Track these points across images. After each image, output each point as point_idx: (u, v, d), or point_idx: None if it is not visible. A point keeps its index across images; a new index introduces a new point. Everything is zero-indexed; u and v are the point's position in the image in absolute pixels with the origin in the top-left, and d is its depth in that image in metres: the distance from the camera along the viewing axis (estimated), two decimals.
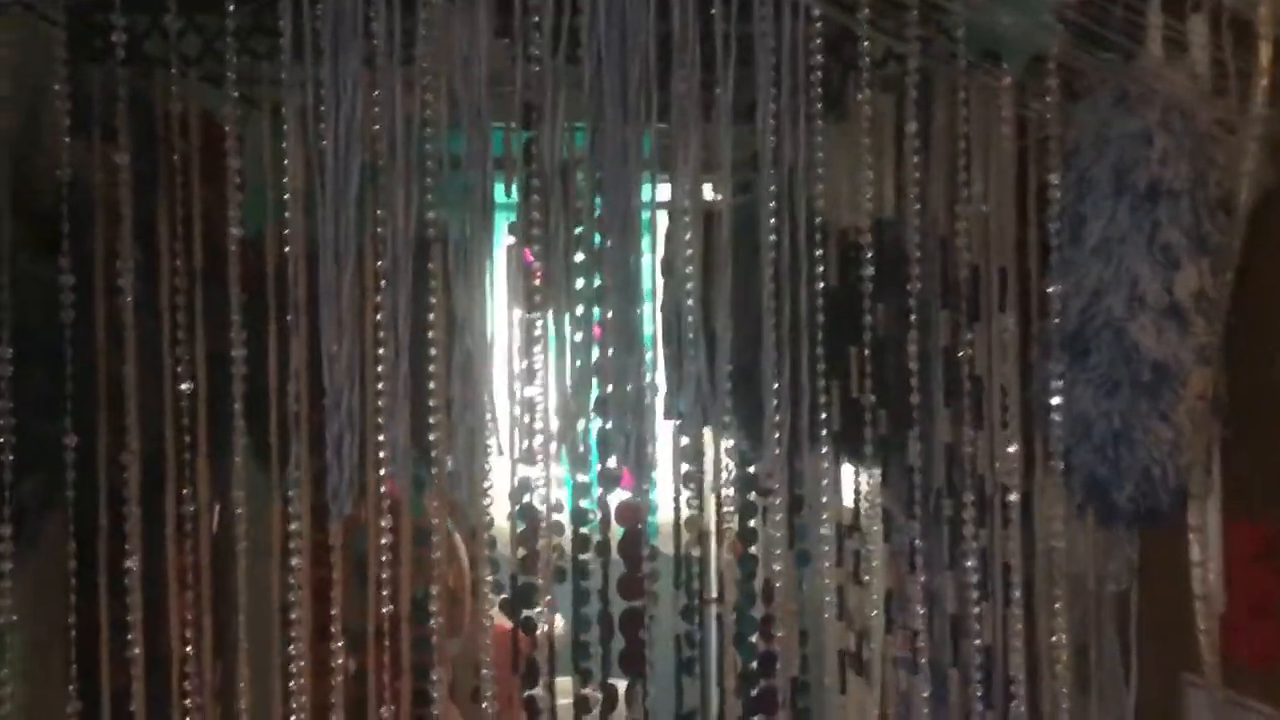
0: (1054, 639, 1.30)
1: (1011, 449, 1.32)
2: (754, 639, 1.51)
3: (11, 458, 1.28)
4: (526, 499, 1.36)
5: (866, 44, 1.24)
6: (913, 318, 1.30)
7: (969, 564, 1.36)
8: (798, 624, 1.50)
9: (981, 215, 1.37)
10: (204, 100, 1.43)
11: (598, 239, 1.25)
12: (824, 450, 1.31)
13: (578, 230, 1.26)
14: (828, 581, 1.33)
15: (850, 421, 1.44)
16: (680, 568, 1.58)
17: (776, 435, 1.22)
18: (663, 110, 1.19)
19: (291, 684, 1.34)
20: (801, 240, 1.25)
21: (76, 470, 1.33)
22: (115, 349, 1.35)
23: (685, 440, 1.38)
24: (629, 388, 1.17)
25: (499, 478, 1.33)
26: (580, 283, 1.28)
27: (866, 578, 1.59)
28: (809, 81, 1.24)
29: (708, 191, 1.30)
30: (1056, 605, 1.29)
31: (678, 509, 1.54)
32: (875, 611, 1.51)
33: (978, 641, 1.34)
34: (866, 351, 1.40)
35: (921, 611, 1.34)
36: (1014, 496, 1.31)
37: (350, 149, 1.11)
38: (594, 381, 1.27)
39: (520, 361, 1.30)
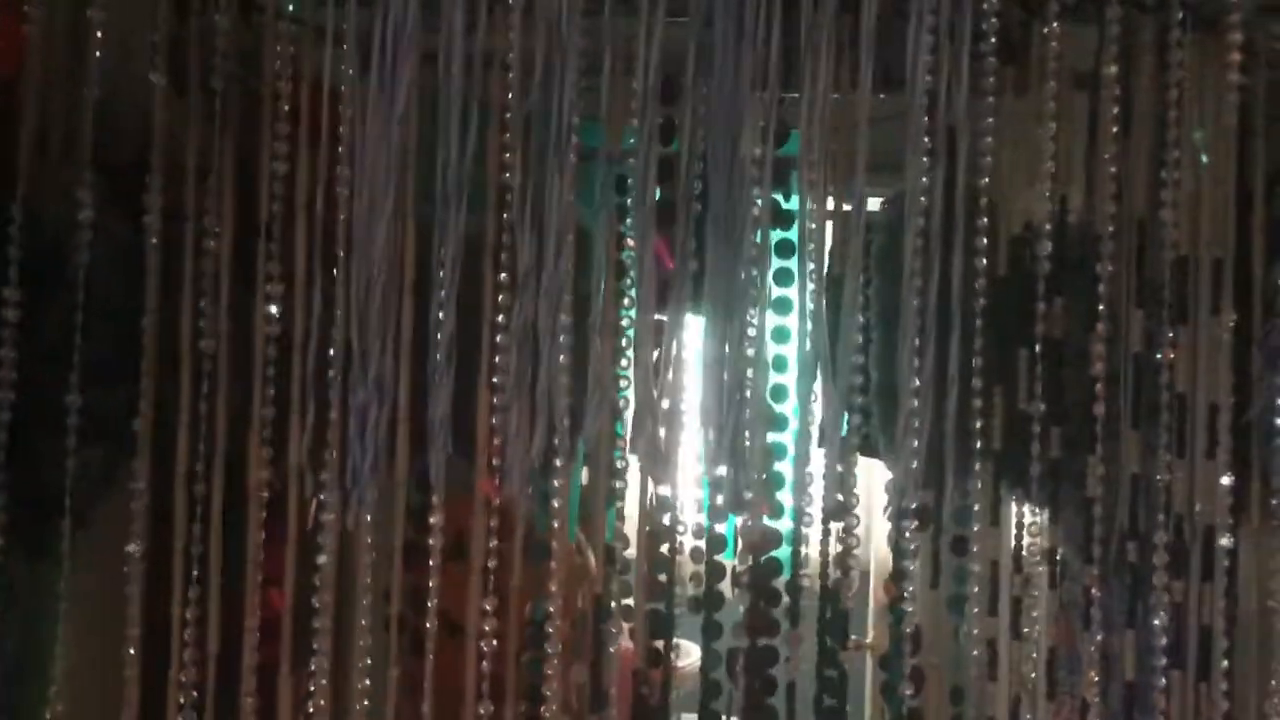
0: None
1: (1224, 481, 1.06)
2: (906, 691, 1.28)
3: (75, 425, 1.17)
4: (664, 520, 1.21)
5: None
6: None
7: (1156, 623, 1.11)
8: (945, 678, 1.28)
9: (1193, 192, 1.12)
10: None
11: None
12: (976, 470, 1.08)
13: None
14: (975, 632, 1.14)
15: (1016, 440, 1.20)
16: (825, 607, 1.37)
17: (914, 445, 1.00)
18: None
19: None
20: (961, 221, 1.03)
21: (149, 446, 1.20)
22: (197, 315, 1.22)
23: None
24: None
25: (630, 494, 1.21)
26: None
27: (1026, 630, 1.34)
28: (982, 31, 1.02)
29: None
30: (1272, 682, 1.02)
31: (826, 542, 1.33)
32: (1034, 673, 1.25)
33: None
34: (1039, 355, 1.15)
35: (1095, 678, 1.10)
36: (1225, 541, 1.05)
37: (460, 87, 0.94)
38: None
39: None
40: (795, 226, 1.32)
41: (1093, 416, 1.14)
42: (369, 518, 1.01)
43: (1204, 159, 1.12)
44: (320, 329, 1.00)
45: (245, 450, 1.16)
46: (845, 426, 1.18)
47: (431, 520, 1.11)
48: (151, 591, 1.23)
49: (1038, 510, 1.30)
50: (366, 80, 0.92)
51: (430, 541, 1.10)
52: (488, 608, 1.15)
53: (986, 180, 1.06)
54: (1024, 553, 1.33)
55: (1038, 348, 1.12)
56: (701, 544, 1.26)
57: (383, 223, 0.88)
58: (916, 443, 1.01)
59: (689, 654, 1.81)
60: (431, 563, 1.12)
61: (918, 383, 0.98)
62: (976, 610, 1.12)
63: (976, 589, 1.10)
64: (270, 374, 1.12)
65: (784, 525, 1.26)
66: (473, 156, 0.95)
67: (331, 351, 1.02)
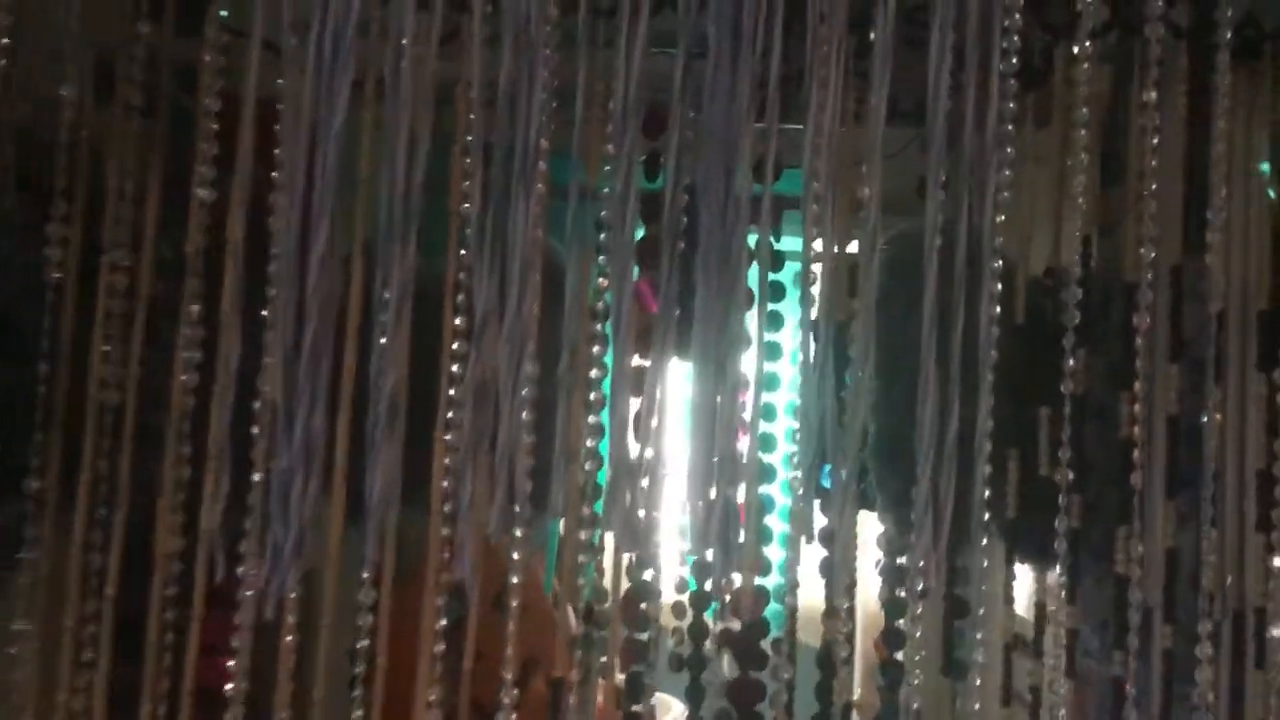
0: None
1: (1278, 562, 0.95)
2: None
3: None
4: (647, 575, 1.11)
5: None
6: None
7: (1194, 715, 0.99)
8: None
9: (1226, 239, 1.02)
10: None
11: None
12: (983, 541, 0.96)
13: None
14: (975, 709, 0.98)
15: (1032, 507, 1.08)
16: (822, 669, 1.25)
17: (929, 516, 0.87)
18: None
19: None
20: (981, 265, 0.91)
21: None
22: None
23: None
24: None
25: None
26: None
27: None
28: (1004, 52, 0.90)
29: None
30: None
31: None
32: None
33: None
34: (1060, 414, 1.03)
35: None
36: (1278, 632, 0.94)
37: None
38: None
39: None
40: (785, 268, 1.22)
41: (1118, 483, 1.02)
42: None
43: (1271, 194, 1.00)
44: (240, 381, 0.87)
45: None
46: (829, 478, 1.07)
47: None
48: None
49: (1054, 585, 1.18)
50: (302, 93, 0.79)
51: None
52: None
53: (1003, 218, 0.94)
54: (1043, 632, 1.21)
55: (1065, 406, 1.00)
56: (685, 599, 1.18)
57: (316, 257, 0.74)
58: (930, 512, 0.88)
59: (669, 709, 1.68)
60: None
61: (927, 443, 0.86)
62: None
63: (982, 662, 0.97)
64: (186, 430, 0.99)
65: (772, 581, 1.16)
66: (422, 185, 0.82)
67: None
